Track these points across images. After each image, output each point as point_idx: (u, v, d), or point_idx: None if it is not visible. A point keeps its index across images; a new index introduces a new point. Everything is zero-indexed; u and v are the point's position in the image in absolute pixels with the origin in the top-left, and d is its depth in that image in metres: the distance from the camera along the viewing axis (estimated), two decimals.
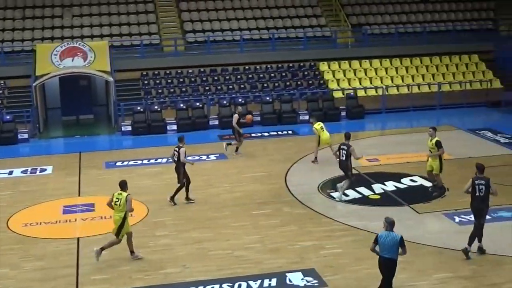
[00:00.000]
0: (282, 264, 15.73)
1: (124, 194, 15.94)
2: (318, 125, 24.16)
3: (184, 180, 20.02)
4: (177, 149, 20.09)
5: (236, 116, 25.28)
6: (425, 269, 15.34)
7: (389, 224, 13.32)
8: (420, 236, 17.24)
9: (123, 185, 16.09)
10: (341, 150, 20.16)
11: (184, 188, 20.12)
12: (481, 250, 15.99)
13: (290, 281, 14.87)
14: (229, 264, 15.78)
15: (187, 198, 20.21)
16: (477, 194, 15.91)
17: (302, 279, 14.93)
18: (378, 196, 20.50)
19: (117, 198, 15.92)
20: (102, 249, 16.02)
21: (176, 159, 20.09)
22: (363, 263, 15.67)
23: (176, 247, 16.89)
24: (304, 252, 16.39)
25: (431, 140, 20.15)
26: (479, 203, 15.92)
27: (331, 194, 20.61)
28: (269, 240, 17.18)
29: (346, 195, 20.24)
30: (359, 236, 17.32)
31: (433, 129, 20.30)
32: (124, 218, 15.89)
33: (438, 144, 19.96)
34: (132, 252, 16.22)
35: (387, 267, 13.24)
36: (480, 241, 16.04)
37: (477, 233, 15.96)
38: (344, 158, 20.04)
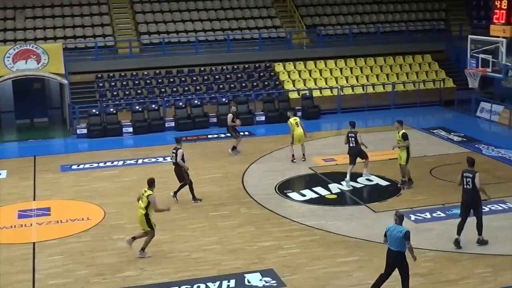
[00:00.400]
0: (241, 265, 15.75)
1: (148, 191, 16.27)
2: (293, 120, 24.19)
3: (190, 179, 20.26)
4: (174, 150, 20.27)
5: (230, 116, 25.31)
6: (382, 267, 15.41)
7: (399, 218, 13.60)
8: (377, 235, 17.36)
9: (150, 183, 16.47)
10: (349, 138, 21.46)
11: (188, 188, 20.33)
12: (482, 242, 16.50)
13: (248, 282, 14.89)
14: (187, 266, 15.75)
15: (194, 198, 20.33)
16: (465, 186, 16.44)
17: (260, 279, 14.97)
18: (335, 196, 20.65)
19: (142, 195, 16.32)
20: (133, 238, 16.41)
21: (174, 160, 20.26)
22: (321, 262, 15.79)
23: (133, 250, 16.75)
24: (262, 252, 16.44)
25: (398, 133, 20.77)
26: (468, 196, 16.43)
27: (288, 194, 20.71)
28: (227, 241, 17.19)
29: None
30: (317, 236, 17.43)
31: (399, 122, 20.96)
32: (148, 214, 16.12)
33: (405, 136, 20.60)
34: (143, 249, 16.35)
35: (396, 260, 13.51)
36: (480, 233, 16.51)
37: (477, 225, 16.49)
38: (354, 144, 21.34)
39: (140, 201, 16.34)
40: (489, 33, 25.05)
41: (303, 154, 24.29)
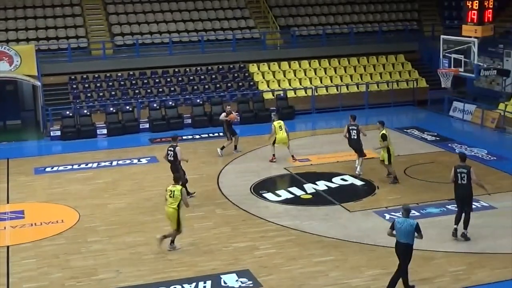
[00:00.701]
0: (217, 266, 15.75)
1: (178, 187, 16.61)
2: (277, 124, 24.06)
3: (184, 177, 20.27)
4: (171, 148, 20.18)
5: (224, 114, 25.48)
6: (357, 266, 15.59)
7: (406, 211, 14.07)
8: (352, 234, 17.51)
9: (177, 179, 17.02)
10: (351, 131, 22.13)
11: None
12: (466, 237, 16.87)
13: (225, 282, 14.89)
14: (163, 268, 15.70)
15: (188, 193, 20.19)
16: (460, 182, 16.74)
17: (236, 280, 14.98)
18: (310, 196, 20.71)
19: (170, 191, 16.52)
20: (164, 237, 16.68)
21: (171, 158, 20.14)
22: (297, 262, 15.83)
23: (108, 252, 16.70)
24: (238, 253, 16.45)
25: (380, 133, 21.42)
26: (463, 191, 16.80)
27: (263, 194, 20.73)
28: (203, 243, 17.17)
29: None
30: (292, 236, 17.48)
31: (380, 123, 21.55)
32: (178, 210, 16.37)
33: (383, 137, 21.17)
34: (172, 242, 16.75)
35: (404, 251, 13.91)
36: (466, 228, 16.87)
37: (465, 219, 16.90)
38: (356, 137, 22.08)
39: (171, 197, 16.47)
40: (461, 33, 25.29)
41: (292, 156, 24.33)
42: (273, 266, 15.67)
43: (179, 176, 17.51)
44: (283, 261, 15.95)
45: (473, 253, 16.21)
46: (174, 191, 16.46)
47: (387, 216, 18.62)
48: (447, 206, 19.30)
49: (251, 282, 14.88)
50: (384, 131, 21.16)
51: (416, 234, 13.83)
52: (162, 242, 16.65)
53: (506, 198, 20.01)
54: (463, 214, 16.95)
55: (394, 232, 13.99)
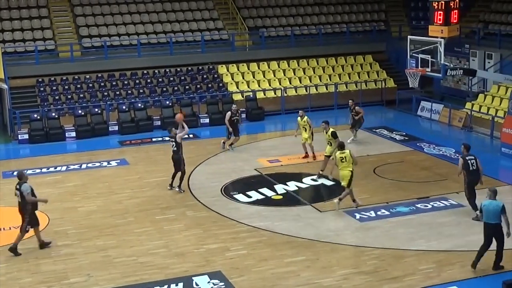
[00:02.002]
0: (188, 268, 15.73)
1: (347, 151, 19.13)
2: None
3: (184, 168, 21.14)
4: (173, 139, 21.03)
5: (228, 114, 25.77)
6: (329, 266, 15.67)
7: (493, 193, 14.95)
8: (323, 234, 17.60)
9: (342, 146, 19.42)
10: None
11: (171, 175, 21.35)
12: (477, 218, 17.54)
13: (196, 284, 14.89)
14: (134, 271, 15.65)
15: (171, 185, 21.32)
16: (471, 168, 18.18)
17: (208, 282, 14.99)
18: (281, 197, 20.77)
19: (341, 157, 19.04)
20: (340, 199, 19.08)
21: (175, 148, 21.11)
22: (268, 263, 15.87)
23: (79, 256, 16.60)
24: (210, 255, 16.45)
25: (326, 133, 21.85)
26: (474, 177, 18.22)
27: (234, 195, 20.75)
28: (174, 245, 17.14)
29: None
30: (263, 237, 17.52)
31: (325, 123, 22.19)
32: (352, 171, 18.86)
33: (334, 135, 21.67)
34: (354, 200, 19.33)
35: (495, 231, 14.78)
36: (476, 209, 17.71)
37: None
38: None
39: (343, 162, 18.94)
40: (428, 33, 25.50)
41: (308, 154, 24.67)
42: (244, 267, 15.69)
43: (343, 144, 19.65)
44: (254, 262, 15.99)
45: (443, 251, 16.38)
46: (345, 156, 19.00)
47: (358, 216, 18.76)
48: (416, 205, 19.51)
49: (223, 283, 14.89)
50: (332, 129, 21.81)
51: (502, 215, 14.68)
52: (339, 204, 19.07)
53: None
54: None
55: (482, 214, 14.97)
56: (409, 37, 25.90)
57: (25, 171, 23.77)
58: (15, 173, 19.83)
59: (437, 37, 24.55)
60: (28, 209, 16.70)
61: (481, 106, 29.88)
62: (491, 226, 14.81)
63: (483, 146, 26.36)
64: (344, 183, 19.11)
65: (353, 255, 16.27)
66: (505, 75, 26.91)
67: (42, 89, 31.71)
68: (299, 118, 24.78)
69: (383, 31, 38.84)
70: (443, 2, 24.50)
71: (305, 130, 24.42)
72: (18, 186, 16.88)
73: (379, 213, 19.00)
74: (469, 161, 18.24)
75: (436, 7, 24.79)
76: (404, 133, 28.13)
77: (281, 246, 16.91)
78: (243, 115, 31.45)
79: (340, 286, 14.68)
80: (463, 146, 18.82)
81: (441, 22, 24.65)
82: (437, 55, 24.13)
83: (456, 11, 24.91)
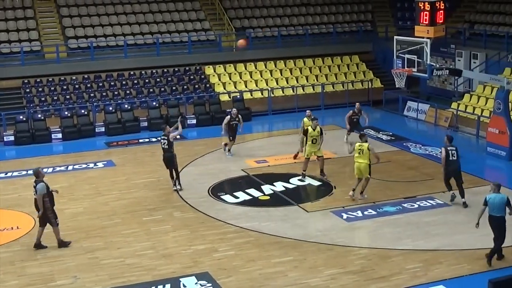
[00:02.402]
0: (176, 269, 15.71)
1: (365, 144, 19.74)
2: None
3: (177, 164, 21.58)
4: (165, 137, 21.35)
5: (227, 118, 25.35)
6: (316, 266, 15.70)
7: (497, 187, 15.51)
8: (310, 234, 17.63)
9: (363, 136, 20.17)
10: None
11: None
12: (465, 204, 19.21)
13: (184, 286, 14.87)
14: (122, 273, 15.61)
15: (175, 185, 21.57)
16: (451, 158, 19.15)
17: (196, 283, 14.97)
18: (268, 197, 20.77)
19: (359, 149, 19.73)
20: (353, 189, 19.84)
21: (166, 146, 21.33)
22: (256, 264, 15.88)
23: (65, 258, 16.53)
24: (197, 256, 16.43)
25: (314, 130, 21.90)
26: (454, 166, 19.21)
27: (221, 196, 20.74)
28: (162, 246, 17.11)
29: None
30: (251, 238, 17.52)
31: (316, 120, 22.52)
32: (369, 162, 19.67)
33: (322, 132, 22.16)
34: (361, 192, 19.90)
35: (499, 223, 15.32)
36: (463, 196, 19.30)
37: (460, 190, 19.37)
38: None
39: (359, 154, 19.63)
40: (414, 34, 25.58)
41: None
42: (232, 268, 15.69)
43: (364, 134, 20.42)
44: (242, 262, 15.99)
45: (429, 250, 16.44)
46: (362, 149, 19.65)
47: (344, 216, 18.80)
48: (403, 205, 19.58)
49: (210, 284, 14.88)
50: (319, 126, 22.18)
51: (507, 208, 15.23)
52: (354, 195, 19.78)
53: (460, 195, 20.31)
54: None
55: (485, 208, 15.37)
56: (395, 37, 25.97)
57: (11, 173, 23.92)
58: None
59: (423, 38, 24.64)
60: (47, 206, 16.89)
61: (466, 106, 30.03)
62: (496, 219, 15.30)
63: (469, 146, 26.48)
64: (366, 175, 19.82)
65: (340, 255, 16.30)
66: (490, 75, 27.03)
67: (28, 90, 31.59)
68: (306, 119, 24.28)
69: (370, 32, 38.94)
70: (429, 2, 24.59)
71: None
72: (35, 184, 17.10)
73: (366, 213, 19.04)
74: (450, 151, 19.15)
75: (422, 7, 24.89)
76: (391, 133, 28.21)
77: (268, 246, 16.92)
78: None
79: (328, 286, 14.70)
80: (446, 137, 19.64)
81: (427, 22, 24.75)
82: (423, 55, 24.22)
83: (442, 11, 25.01)
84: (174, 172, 21.56)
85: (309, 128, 22.21)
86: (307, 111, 25.12)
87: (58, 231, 17.20)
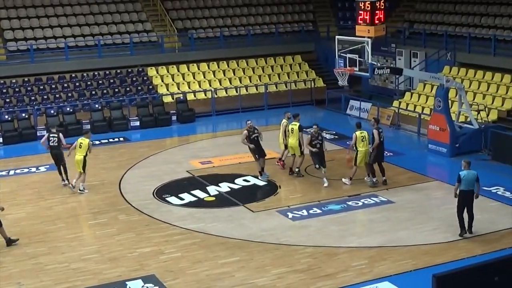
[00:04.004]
0: (122, 272, 15.58)
1: (365, 131, 21.08)
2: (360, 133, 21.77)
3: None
4: (55, 135, 21.86)
5: (245, 133, 22.04)
6: (263, 265, 15.75)
7: (467, 163, 16.74)
8: (256, 234, 17.67)
9: (360, 125, 21.52)
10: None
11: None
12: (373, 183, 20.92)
13: None
14: (67, 277, 15.40)
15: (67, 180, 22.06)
16: (381, 139, 21.11)
17: (142, 286, 14.87)
18: (213, 198, 20.76)
19: (362, 136, 20.87)
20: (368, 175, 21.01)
21: (56, 144, 22.03)
22: (203, 265, 15.86)
23: (8, 264, 16.23)
24: (143, 258, 16.32)
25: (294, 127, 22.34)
26: (383, 147, 21.42)
27: (166, 198, 20.66)
28: (107, 250, 16.95)
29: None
30: (197, 239, 17.48)
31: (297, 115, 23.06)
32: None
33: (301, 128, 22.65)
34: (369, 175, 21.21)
35: (471, 197, 16.72)
36: (374, 176, 21.02)
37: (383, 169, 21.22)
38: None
39: (362, 141, 20.92)
40: (355, 33, 25.85)
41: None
42: (179, 270, 15.63)
43: (360, 122, 21.83)
44: (188, 264, 15.95)
45: (374, 247, 16.66)
46: (364, 136, 20.91)
47: (290, 215, 18.91)
48: (347, 203, 19.78)
49: (157, 287, 14.80)
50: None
51: (476, 183, 16.59)
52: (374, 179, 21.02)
53: (403, 192, 20.67)
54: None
55: (459, 184, 16.58)
56: (336, 37, 26.22)
57: None
58: None
59: (364, 37, 24.93)
60: None
61: (408, 104, 30.52)
62: (470, 193, 16.65)
63: (410, 143, 26.92)
64: (367, 160, 21.04)
65: (287, 254, 16.38)
66: (430, 73, 27.51)
67: None
68: (284, 121, 22.96)
69: (312, 32, 39.23)
70: (369, 2, 24.90)
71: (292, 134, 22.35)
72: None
73: (311, 211, 19.18)
74: (381, 133, 21.05)
75: (362, 7, 25.18)
76: (334, 132, 28.48)
77: (214, 247, 16.91)
78: (174, 117, 31.32)
79: (275, 285, 14.77)
80: (373, 120, 21.79)
81: (367, 22, 25.05)
82: (365, 55, 24.50)
83: (382, 11, 25.35)
84: (62, 167, 22.08)
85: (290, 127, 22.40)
86: (287, 113, 23.63)
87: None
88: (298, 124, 22.44)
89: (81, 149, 21.41)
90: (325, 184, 21.25)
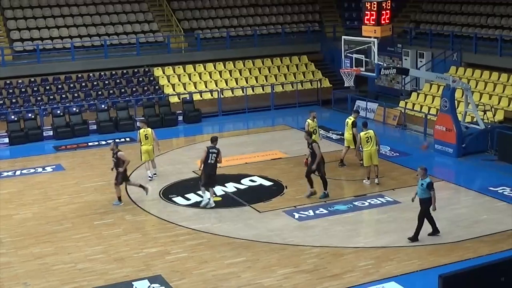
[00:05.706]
0: (128, 273, 15.59)
1: (371, 130, 21.14)
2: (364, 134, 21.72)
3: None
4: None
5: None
6: (269, 266, 15.74)
7: (423, 171, 16.91)
8: (262, 234, 17.66)
9: (366, 125, 21.54)
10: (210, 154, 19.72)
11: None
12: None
13: None
14: (73, 278, 15.42)
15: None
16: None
17: (149, 286, 14.88)
18: (219, 198, 20.74)
19: (366, 137, 21.00)
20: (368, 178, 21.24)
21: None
22: (209, 265, 15.85)
23: (15, 264, 16.26)
24: (150, 259, 16.33)
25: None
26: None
27: (172, 198, 20.67)
28: (113, 250, 16.96)
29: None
30: (203, 239, 17.48)
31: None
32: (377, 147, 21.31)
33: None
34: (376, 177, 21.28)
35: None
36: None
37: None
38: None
39: (367, 142, 20.97)
40: (361, 33, 25.83)
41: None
42: (185, 270, 15.64)
43: (366, 122, 22.01)
44: (195, 264, 15.95)
45: (381, 247, 16.63)
46: (369, 136, 21.16)
47: (296, 215, 18.89)
48: (354, 203, 19.76)
49: (163, 287, 14.81)
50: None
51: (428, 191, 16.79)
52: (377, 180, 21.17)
53: (409, 192, 20.57)
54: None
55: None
56: (343, 37, 26.16)
57: None
58: None
59: (370, 37, 24.89)
60: None
61: (414, 104, 30.47)
62: (420, 202, 16.86)
63: (417, 144, 26.86)
64: (375, 162, 21.20)
65: (293, 254, 16.37)
66: (436, 73, 27.46)
67: None
68: (310, 121, 23.31)
69: (318, 32, 39.21)
70: (375, 2, 24.87)
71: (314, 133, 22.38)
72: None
73: (317, 212, 19.16)
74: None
75: (368, 7, 25.15)
76: (340, 132, 28.32)
77: (221, 247, 16.91)
78: (180, 118, 31.34)
79: (281, 286, 14.76)
80: (362, 124, 21.86)
81: (374, 22, 25.02)
82: (371, 55, 24.46)
83: (388, 11, 25.31)
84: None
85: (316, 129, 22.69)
86: (312, 112, 23.79)
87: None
88: (352, 119, 23.40)
89: (147, 140, 22.43)
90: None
